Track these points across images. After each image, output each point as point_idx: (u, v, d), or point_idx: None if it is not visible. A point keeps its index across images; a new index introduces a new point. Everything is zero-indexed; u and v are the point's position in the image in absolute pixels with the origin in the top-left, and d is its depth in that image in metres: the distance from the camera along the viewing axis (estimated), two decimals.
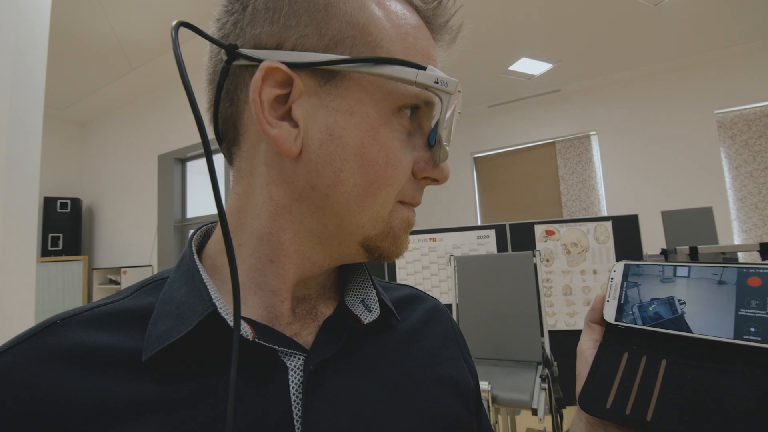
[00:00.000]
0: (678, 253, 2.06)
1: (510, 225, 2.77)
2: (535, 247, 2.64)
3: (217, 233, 0.33)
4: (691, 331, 0.27)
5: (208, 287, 0.28)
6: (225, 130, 0.31)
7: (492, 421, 1.71)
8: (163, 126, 3.67)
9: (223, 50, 0.28)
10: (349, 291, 0.35)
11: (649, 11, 3.20)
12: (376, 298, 0.34)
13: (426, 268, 2.87)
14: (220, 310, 0.26)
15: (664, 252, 2.34)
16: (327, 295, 0.35)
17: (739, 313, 0.26)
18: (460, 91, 0.29)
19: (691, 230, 2.50)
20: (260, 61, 0.27)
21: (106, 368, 0.25)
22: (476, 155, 5.34)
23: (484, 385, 1.55)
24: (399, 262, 2.91)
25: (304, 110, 0.28)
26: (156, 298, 0.29)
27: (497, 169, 5.25)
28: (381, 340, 0.34)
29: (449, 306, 2.24)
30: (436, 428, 0.32)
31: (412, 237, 2.96)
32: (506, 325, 1.98)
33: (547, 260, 2.67)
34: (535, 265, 2.02)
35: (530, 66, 4.00)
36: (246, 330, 0.27)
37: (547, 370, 1.77)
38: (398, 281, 3.12)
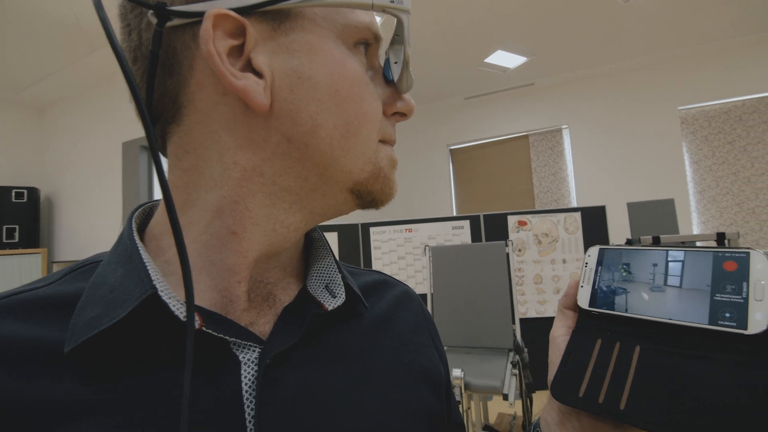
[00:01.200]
0: (641, 242, 2.15)
1: (484, 216, 2.82)
2: (507, 237, 2.70)
3: (161, 211, 0.29)
4: (669, 317, 0.26)
5: (148, 268, 0.24)
6: (161, 109, 0.27)
7: (465, 407, 1.75)
8: (128, 112, 3.47)
9: (150, 12, 0.24)
10: (312, 275, 0.32)
11: (620, 8, 3.28)
12: (342, 283, 0.32)
13: (402, 258, 2.89)
14: (161, 293, 0.23)
15: (629, 242, 2.44)
16: (287, 279, 0.32)
17: (714, 298, 0.25)
18: (410, 12, 0.28)
19: (654, 221, 2.62)
20: (200, 14, 0.24)
21: (25, 364, 0.22)
22: (452, 147, 5.38)
23: (457, 372, 1.58)
24: (375, 253, 2.91)
25: (265, 57, 0.25)
26: (87, 282, 0.26)
27: (473, 161, 5.31)
28: (347, 329, 0.32)
29: (424, 296, 2.26)
30: (407, 419, 0.31)
31: (388, 228, 2.96)
32: (479, 314, 2.03)
33: (519, 250, 2.73)
34: (508, 254, 2.06)
35: (505, 59, 4.04)
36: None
37: (518, 357, 1.82)
38: None
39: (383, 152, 0.30)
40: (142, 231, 0.30)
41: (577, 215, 2.72)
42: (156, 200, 0.32)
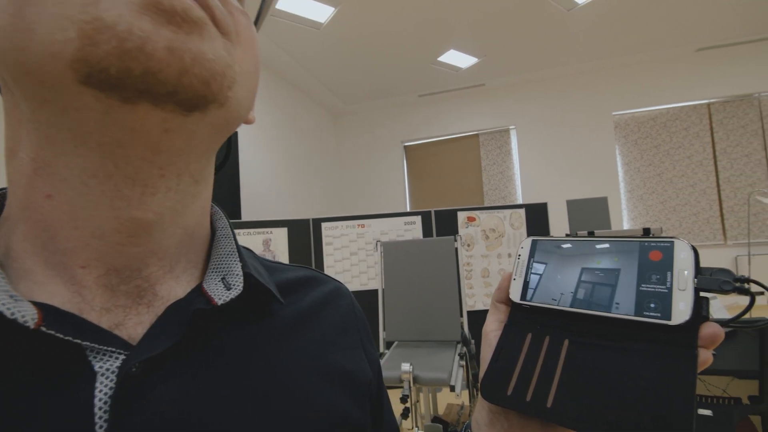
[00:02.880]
0: (577, 237, 2.30)
1: (435, 212, 2.87)
2: (457, 233, 2.77)
3: (10, 197, 0.24)
4: (597, 309, 0.26)
5: None
6: None
7: (414, 400, 1.77)
8: None
9: None
10: (209, 268, 0.27)
11: (563, 16, 3.47)
12: (240, 273, 0.27)
13: (354, 254, 2.86)
14: None
15: (567, 236, 2.60)
16: (176, 274, 0.26)
17: (640, 288, 0.25)
18: None
19: (590, 217, 2.81)
20: None
21: None
22: (406, 143, 5.44)
23: (406, 366, 1.60)
24: (327, 249, 2.86)
25: None
26: None
27: (426, 158, 5.40)
28: (254, 329, 0.27)
29: (375, 291, 2.26)
30: (316, 427, 0.27)
31: (340, 223, 2.92)
32: (429, 307, 2.06)
33: (468, 245, 2.81)
34: (456, 249, 2.11)
35: (458, 58, 4.14)
36: (25, 312, 0.19)
37: (465, 348, 1.87)
38: (325, 267, 3.06)
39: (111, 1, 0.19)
40: None
41: (522, 212, 2.85)
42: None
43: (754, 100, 4.34)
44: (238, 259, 0.28)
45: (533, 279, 0.29)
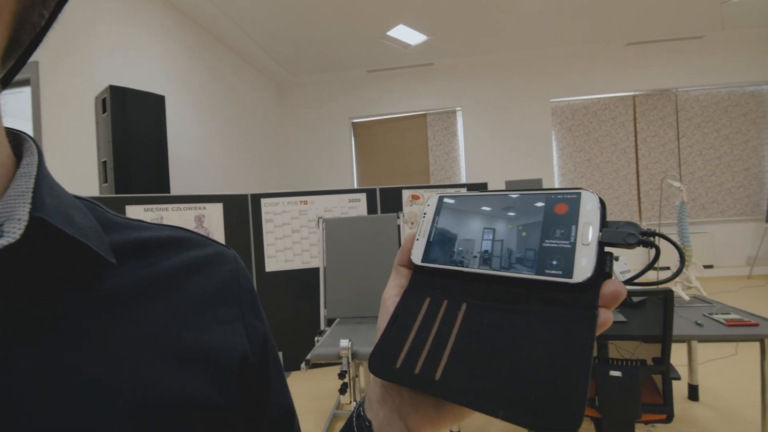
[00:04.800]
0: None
1: (380, 189, 2.85)
2: (402, 210, 2.78)
3: None
4: (498, 268, 0.23)
5: None
6: None
7: (353, 375, 1.77)
8: None
9: None
10: None
11: None
12: (26, 218, 0.19)
13: (296, 231, 2.78)
14: None
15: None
16: None
17: (544, 245, 0.23)
18: None
19: None
20: None
21: None
22: (355, 120, 5.33)
23: (344, 342, 1.58)
24: (267, 226, 2.75)
25: None
26: None
27: (374, 136, 5.35)
28: (52, 298, 0.21)
29: (317, 269, 2.21)
30: (139, 421, 0.21)
31: (281, 199, 2.80)
32: (370, 284, 2.06)
33: (412, 222, 2.84)
34: (399, 226, 2.11)
35: (407, 34, 4.07)
36: None
37: None
38: (265, 245, 2.94)
39: None
40: None
41: (464, 191, 2.92)
42: None
43: (671, 94, 4.76)
44: (30, 201, 0.20)
45: (437, 239, 0.26)
